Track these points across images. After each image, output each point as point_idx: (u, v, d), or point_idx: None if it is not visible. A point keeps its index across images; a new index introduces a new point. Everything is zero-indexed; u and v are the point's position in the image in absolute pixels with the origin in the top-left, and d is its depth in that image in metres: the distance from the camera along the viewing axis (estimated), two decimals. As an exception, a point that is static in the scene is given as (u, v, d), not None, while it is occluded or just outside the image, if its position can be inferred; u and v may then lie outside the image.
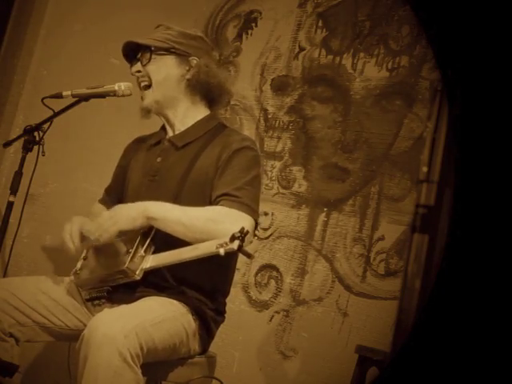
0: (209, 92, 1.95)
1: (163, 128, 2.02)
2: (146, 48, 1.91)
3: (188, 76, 1.92)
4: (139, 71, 1.92)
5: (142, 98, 1.93)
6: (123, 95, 1.86)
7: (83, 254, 1.91)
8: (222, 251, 1.53)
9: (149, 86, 1.92)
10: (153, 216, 1.72)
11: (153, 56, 1.90)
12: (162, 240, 1.74)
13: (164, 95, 1.91)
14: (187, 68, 1.92)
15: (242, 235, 1.50)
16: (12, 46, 3.08)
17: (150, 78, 1.91)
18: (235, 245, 1.50)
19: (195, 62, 1.92)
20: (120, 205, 1.81)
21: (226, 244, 1.52)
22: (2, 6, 3.01)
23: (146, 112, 1.93)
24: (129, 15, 2.89)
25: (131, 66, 1.95)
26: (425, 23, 1.00)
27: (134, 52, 1.94)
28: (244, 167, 1.82)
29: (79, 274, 1.87)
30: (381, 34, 2.40)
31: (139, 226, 1.73)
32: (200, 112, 1.96)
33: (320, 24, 2.56)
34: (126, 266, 1.69)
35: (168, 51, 1.91)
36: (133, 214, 1.73)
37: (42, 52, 3.09)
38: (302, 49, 2.58)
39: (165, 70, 1.91)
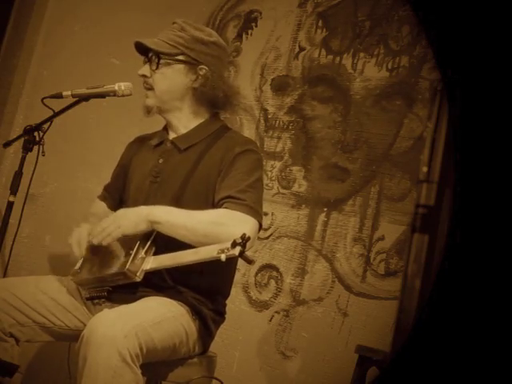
0: (213, 104, 1.93)
1: (165, 128, 2.01)
2: (155, 52, 1.88)
3: (195, 85, 1.89)
4: (145, 76, 1.89)
5: (146, 96, 1.92)
6: (123, 95, 1.85)
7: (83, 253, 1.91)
8: (223, 257, 1.52)
9: (152, 88, 1.90)
10: (156, 220, 1.72)
11: (161, 62, 1.87)
12: (163, 242, 1.74)
13: (166, 103, 1.90)
14: (194, 77, 1.88)
15: (243, 241, 1.49)
16: (12, 46, 3.08)
17: (153, 85, 1.89)
18: (236, 251, 1.49)
19: (204, 71, 1.88)
20: (123, 209, 1.81)
21: (228, 250, 1.51)
22: (1, 5, 3.01)
23: (148, 111, 1.92)
24: (129, 15, 2.89)
25: (144, 62, 1.91)
26: (425, 23, 1.00)
27: (145, 50, 1.91)
28: (247, 170, 1.82)
29: (79, 273, 1.87)
30: (381, 34, 2.40)
31: (142, 230, 1.73)
32: (203, 116, 1.95)
33: (320, 24, 2.56)
34: (126, 268, 1.69)
35: (176, 59, 1.87)
36: (136, 218, 1.73)
37: (42, 52, 3.08)
38: (301, 49, 2.58)
39: (170, 80, 1.88)
